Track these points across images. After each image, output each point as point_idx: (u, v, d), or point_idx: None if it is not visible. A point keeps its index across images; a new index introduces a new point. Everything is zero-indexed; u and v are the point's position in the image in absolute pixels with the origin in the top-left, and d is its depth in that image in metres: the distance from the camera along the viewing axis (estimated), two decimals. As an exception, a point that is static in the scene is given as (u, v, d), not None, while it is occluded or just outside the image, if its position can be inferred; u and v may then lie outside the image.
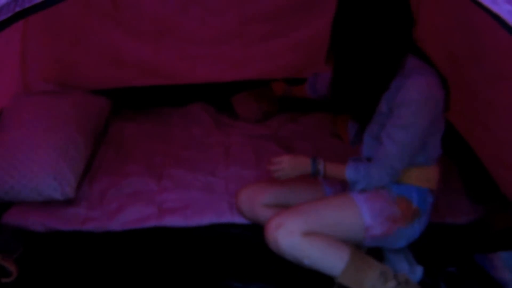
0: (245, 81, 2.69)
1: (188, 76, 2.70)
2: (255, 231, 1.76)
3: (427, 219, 1.67)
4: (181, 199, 2.02)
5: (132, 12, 2.52)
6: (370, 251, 1.67)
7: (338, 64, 1.55)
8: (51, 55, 2.56)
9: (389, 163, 1.53)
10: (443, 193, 1.98)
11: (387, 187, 1.63)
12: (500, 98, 1.74)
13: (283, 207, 1.76)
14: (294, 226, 1.54)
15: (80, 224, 1.90)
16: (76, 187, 2.02)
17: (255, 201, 1.78)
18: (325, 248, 1.55)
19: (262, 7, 2.51)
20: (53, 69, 2.60)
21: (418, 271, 1.66)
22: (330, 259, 1.55)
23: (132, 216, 1.92)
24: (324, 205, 1.63)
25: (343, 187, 1.77)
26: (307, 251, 1.53)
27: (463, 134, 2.13)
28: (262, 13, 2.53)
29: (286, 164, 1.63)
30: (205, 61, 2.67)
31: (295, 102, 2.37)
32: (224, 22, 2.58)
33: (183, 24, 2.57)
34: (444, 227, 1.85)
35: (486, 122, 1.88)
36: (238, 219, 1.88)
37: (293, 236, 1.52)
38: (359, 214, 1.59)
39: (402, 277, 1.56)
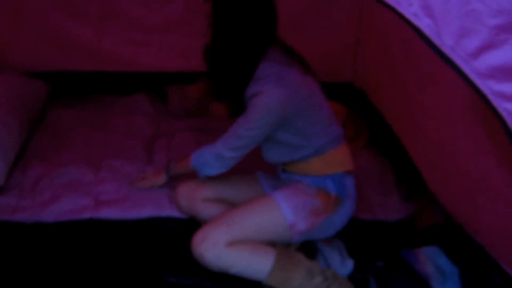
0: (195, 73, 2.64)
1: (132, 63, 2.65)
2: (193, 226, 1.76)
3: (353, 202, 1.71)
4: (119, 191, 1.97)
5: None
6: (303, 246, 1.71)
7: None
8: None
9: (229, 148, 1.59)
10: (377, 191, 2.06)
11: (305, 181, 1.67)
12: (430, 102, 1.82)
13: (222, 202, 1.78)
14: (218, 238, 1.55)
15: (9, 213, 1.82)
16: (7, 174, 1.92)
17: (194, 196, 1.78)
18: (249, 255, 1.57)
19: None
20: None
21: (349, 264, 1.71)
22: (255, 265, 1.57)
23: (66, 207, 1.86)
24: (246, 211, 1.64)
25: (276, 180, 1.79)
26: (232, 260, 1.55)
27: (397, 134, 2.21)
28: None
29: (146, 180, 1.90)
30: (151, 48, 2.63)
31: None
32: (171, 9, 2.55)
33: (128, 9, 2.53)
34: (375, 224, 1.91)
35: (417, 124, 1.96)
36: (178, 213, 1.87)
37: (217, 248, 1.54)
38: (281, 214, 1.61)
39: (329, 272, 1.60)
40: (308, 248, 1.72)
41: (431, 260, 1.70)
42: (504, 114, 0.95)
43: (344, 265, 1.70)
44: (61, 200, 1.89)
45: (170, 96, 2.59)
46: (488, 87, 0.95)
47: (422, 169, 1.96)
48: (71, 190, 1.95)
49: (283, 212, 1.61)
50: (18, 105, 2.18)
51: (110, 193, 1.97)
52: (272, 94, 1.47)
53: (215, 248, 1.55)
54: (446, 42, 0.99)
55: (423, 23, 0.99)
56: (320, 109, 1.63)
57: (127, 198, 1.94)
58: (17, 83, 2.32)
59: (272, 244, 1.63)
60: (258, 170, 1.85)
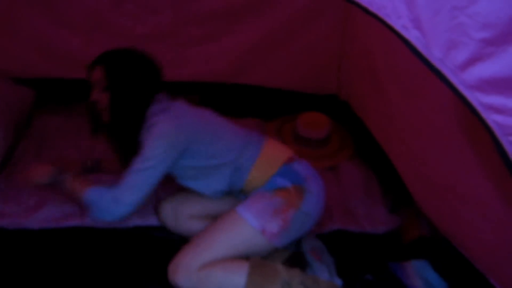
0: (177, 83, 2.66)
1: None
2: (180, 236, 1.77)
3: (316, 182, 1.70)
4: None
5: (65, 3, 2.45)
6: (290, 258, 1.70)
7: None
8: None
9: (126, 189, 1.55)
10: (363, 203, 2.07)
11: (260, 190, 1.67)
12: (415, 113, 1.83)
13: (209, 218, 1.77)
14: (189, 264, 1.54)
15: None
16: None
17: (181, 213, 1.75)
18: (222, 275, 1.54)
19: (197, 10, 2.51)
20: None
21: (337, 282, 1.68)
22: (229, 283, 1.54)
23: (52, 214, 1.84)
24: (213, 232, 1.62)
25: None
26: (205, 283, 1.53)
27: (382, 146, 2.21)
28: (197, 16, 2.52)
29: (30, 171, 1.69)
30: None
31: (225, 106, 2.39)
32: (158, 21, 2.55)
33: (115, 19, 2.52)
34: (362, 236, 1.91)
35: (402, 135, 1.97)
36: (163, 222, 1.84)
37: (190, 274, 1.53)
38: (246, 224, 1.60)
39: (309, 281, 1.58)
40: (297, 260, 1.71)
41: (419, 274, 1.70)
42: (493, 126, 0.95)
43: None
44: (46, 206, 1.87)
45: None
46: (477, 99, 0.96)
47: (407, 181, 1.97)
48: (57, 197, 1.90)
49: (248, 221, 1.60)
50: (4, 111, 2.16)
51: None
52: (160, 124, 1.56)
53: (187, 274, 1.53)
54: (434, 54, 1.00)
55: (412, 35, 1.00)
56: (216, 126, 1.70)
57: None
58: (3, 89, 2.29)
59: (246, 258, 1.62)
60: None
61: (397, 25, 1.01)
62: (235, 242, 1.60)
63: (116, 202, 1.54)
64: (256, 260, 1.60)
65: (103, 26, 2.52)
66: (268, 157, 1.71)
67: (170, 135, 1.56)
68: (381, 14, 1.01)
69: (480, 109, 0.96)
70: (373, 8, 1.02)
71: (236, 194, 1.77)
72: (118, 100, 1.61)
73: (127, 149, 1.66)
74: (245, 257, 1.61)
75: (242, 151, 1.69)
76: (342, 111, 2.66)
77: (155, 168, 1.55)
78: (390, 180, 2.12)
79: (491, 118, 0.95)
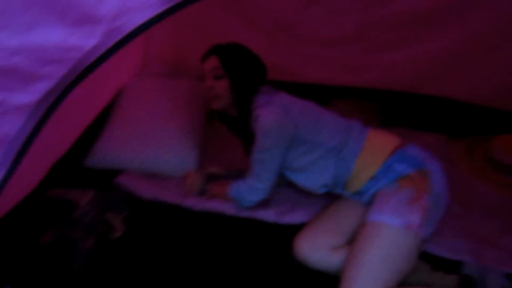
0: (356, 88, 2.59)
1: (298, 74, 2.67)
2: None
3: (434, 161, 1.72)
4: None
5: (254, 7, 2.55)
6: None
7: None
8: (172, 39, 2.69)
9: (255, 178, 1.80)
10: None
11: (379, 186, 1.68)
12: None
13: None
14: None
15: (181, 198, 2.00)
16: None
17: (321, 246, 1.67)
18: None
19: (385, 15, 2.39)
20: (172, 52, 2.74)
21: None
22: None
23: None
24: (366, 257, 1.53)
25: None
26: None
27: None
28: (384, 21, 2.41)
29: (189, 179, 2.04)
30: (318, 61, 2.62)
31: (407, 117, 2.21)
32: (344, 25, 2.50)
33: (300, 22, 2.55)
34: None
35: None
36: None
37: None
38: (392, 227, 1.55)
39: None
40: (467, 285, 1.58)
41: None
42: None
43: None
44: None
45: None
46: None
47: None
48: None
49: (391, 224, 1.55)
50: (199, 108, 2.38)
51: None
52: (266, 114, 1.72)
53: None
54: None
55: None
56: (319, 114, 1.82)
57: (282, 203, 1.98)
58: (196, 88, 2.47)
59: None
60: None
61: None
62: (392, 252, 1.54)
63: (250, 189, 1.83)
64: None
65: (287, 28, 2.57)
66: (375, 145, 1.74)
67: (276, 124, 1.71)
68: None
69: None
70: None
71: (339, 190, 1.80)
72: (233, 85, 1.81)
73: (242, 134, 1.89)
74: (403, 266, 1.54)
75: (346, 137, 1.76)
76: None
77: (272, 156, 1.75)
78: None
79: None
